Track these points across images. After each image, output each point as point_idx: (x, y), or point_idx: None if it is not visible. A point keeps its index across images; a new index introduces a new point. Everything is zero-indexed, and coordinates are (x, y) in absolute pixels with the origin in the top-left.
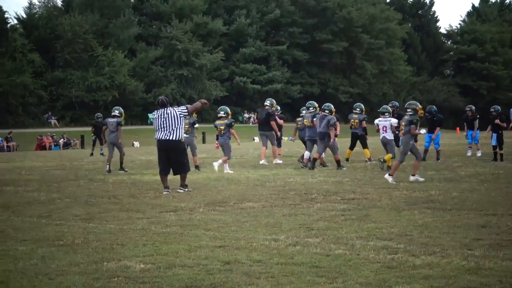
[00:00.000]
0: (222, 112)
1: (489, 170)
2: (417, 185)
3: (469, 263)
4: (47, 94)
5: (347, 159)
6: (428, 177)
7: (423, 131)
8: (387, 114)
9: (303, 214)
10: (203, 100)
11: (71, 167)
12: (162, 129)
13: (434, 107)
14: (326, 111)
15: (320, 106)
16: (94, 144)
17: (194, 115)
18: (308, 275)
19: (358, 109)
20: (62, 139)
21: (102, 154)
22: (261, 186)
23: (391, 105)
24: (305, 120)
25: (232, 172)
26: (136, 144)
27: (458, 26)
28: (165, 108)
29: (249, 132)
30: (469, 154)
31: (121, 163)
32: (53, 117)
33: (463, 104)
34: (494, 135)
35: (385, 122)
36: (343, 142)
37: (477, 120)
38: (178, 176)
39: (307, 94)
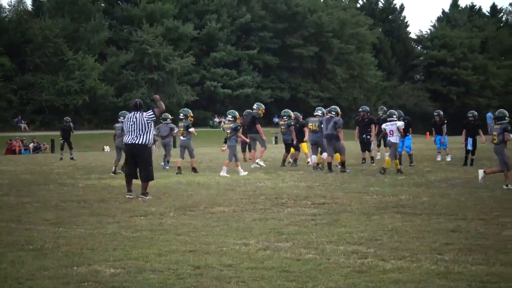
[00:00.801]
0: (230, 116)
1: (459, 175)
2: (388, 189)
3: (438, 268)
4: (17, 98)
5: (318, 164)
6: (398, 182)
7: None
8: (394, 117)
9: (273, 218)
10: (155, 98)
11: (41, 171)
12: (130, 133)
13: (401, 111)
14: (333, 113)
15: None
16: (62, 149)
17: (190, 118)
18: (278, 280)
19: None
20: (32, 143)
21: (72, 158)
22: (232, 190)
23: (361, 109)
24: (310, 124)
25: (246, 173)
26: (107, 148)
27: (428, 31)
28: (136, 112)
29: (220, 137)
30: (438, 159)
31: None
32: (23, 121)
33: (433, 109)
34: (470, 139)
35: (392, 126)
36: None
37: (445, 125)
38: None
39: (277, 98)
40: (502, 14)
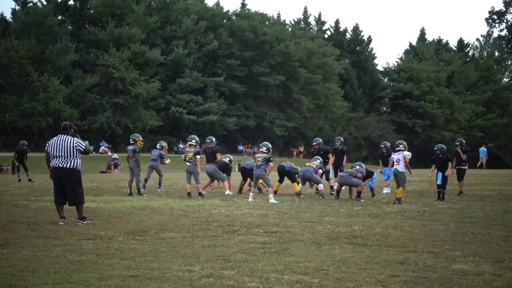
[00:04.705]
0: (265, 148)
1: (415, 208)
2: (342, 220)
3: None
4: None
5: (275, 192)
6: (353, 213)
7: None
8: (401, 146)
9: (222, 245)
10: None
11: None
12: (57, 157)
13: (387, 143)
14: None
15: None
16: (18, 170)
17: (198, 146)
18: None
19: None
20: None
21: (30, 180)
22: (185, 216)
23: (315, 142)
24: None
25: (276, 202)
26: None
27: (395, 63)
28: (64, 135)
29: (182, 163)
30: (385, 191)
31: (138, 188)
32: None
33: (398, 141)
34: (440, 174)
35: (399, 155)
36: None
37: (391, 157)
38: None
39: (243, 126)
40: (469, 49)
